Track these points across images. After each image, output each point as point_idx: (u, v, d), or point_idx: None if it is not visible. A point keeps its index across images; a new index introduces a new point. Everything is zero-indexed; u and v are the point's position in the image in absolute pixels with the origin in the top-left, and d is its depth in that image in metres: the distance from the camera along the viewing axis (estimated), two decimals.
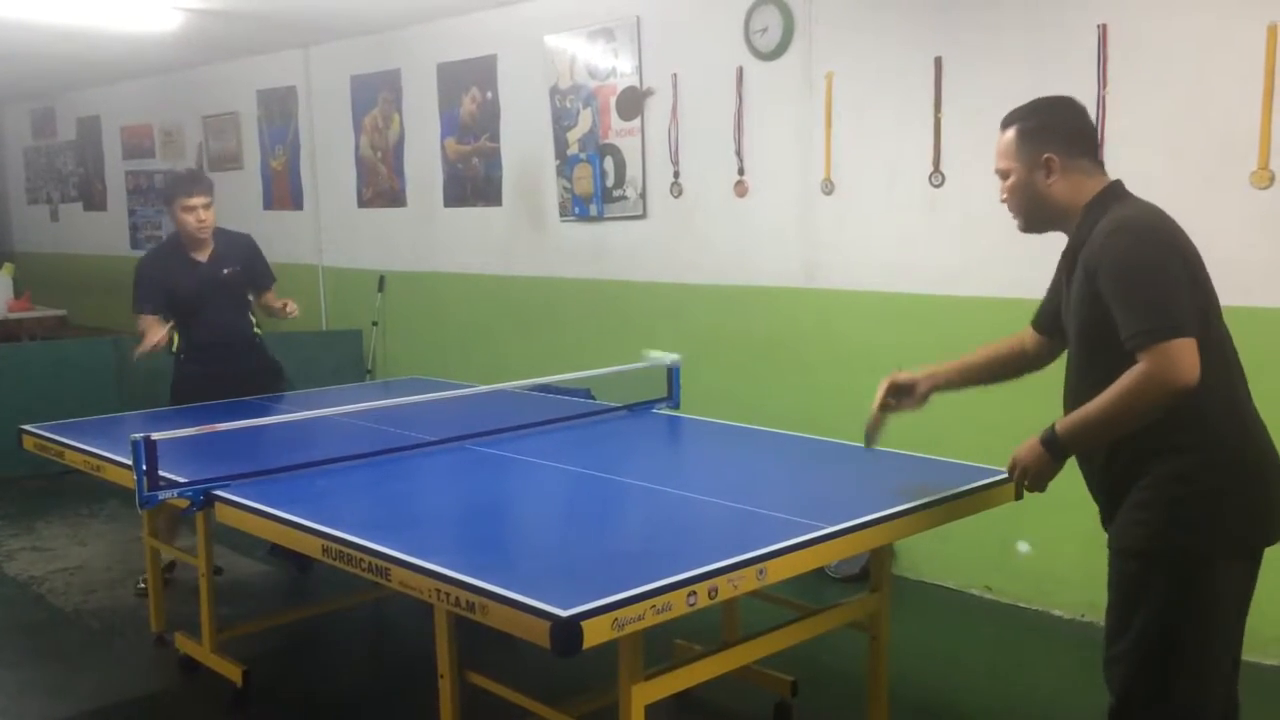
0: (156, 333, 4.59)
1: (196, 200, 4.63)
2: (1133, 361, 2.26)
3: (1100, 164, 2.54)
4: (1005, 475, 3.07)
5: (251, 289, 4.93)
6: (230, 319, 4.83)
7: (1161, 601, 2.34)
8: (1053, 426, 2.43)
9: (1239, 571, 2.38)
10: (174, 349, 4.85)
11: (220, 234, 4.83)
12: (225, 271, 4.77)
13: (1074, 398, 2.47)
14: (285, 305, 4.81)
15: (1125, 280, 2.29)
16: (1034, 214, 2.57)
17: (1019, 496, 3.12)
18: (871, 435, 3.07)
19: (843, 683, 3.66)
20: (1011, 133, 2.54)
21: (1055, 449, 2.42)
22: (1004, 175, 2.58)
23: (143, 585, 4.64)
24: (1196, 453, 2.33)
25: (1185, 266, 2.31)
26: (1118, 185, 2.49)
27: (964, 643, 4.26)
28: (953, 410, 4.54)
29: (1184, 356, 2.21)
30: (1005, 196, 2.59)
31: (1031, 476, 2.50)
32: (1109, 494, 2.48)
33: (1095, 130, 2.55)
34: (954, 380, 2.97)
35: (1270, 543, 2.42)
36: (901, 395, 2.99)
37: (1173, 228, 2.38)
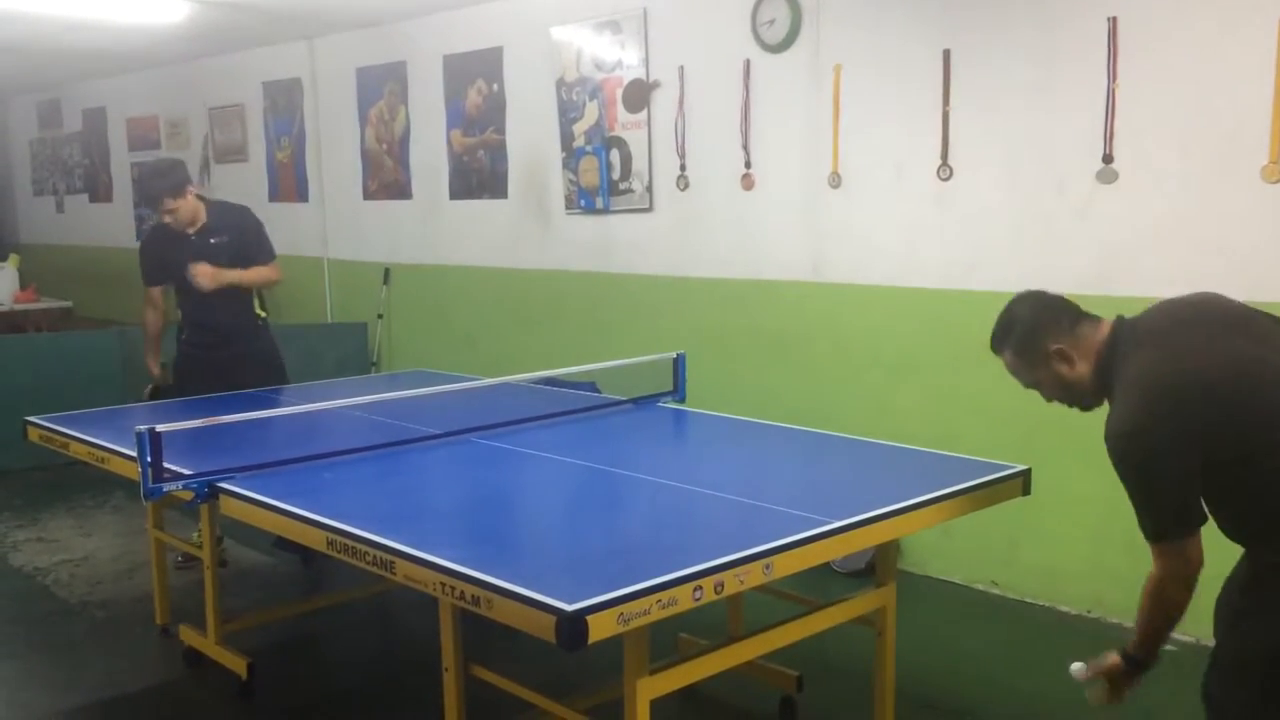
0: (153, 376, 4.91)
1: (162, 206, 4.69)
2: (1244, 497, 2.30)
3: (1091, 316, 2.50)
4: (1012, 471, 3.08)
5: (242, 262, 4.80)
6: (229, 317, 4.84)
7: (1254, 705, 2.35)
8: (1125, 651, 2.51)
9: None
10: (181, 334, 4.93)
11: (216, 206, 4.88)
12: (213, 241, 4.75)
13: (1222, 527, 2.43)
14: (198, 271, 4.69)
15: (1127, 481, 2.33)
16: (1083, 398, 2.54)
17: (1026, 492, 3.11)
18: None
19: (848, 678, 3.65)
20: (1009, 355, 2.56)
21: (1141, 666, 2.52)
22: (1035, 388, 2.59)
23: (181, 559, 4.75)
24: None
25: (1190, 442, 2.23)
26: (1117, 334, 2.42)
27: (970, 638, 4.25)
28: (962, 404, 4.54)
29: (1183, 556, 2.29)
30: (1049, 399, 2.59)
31: (1122, 697, 2.58)
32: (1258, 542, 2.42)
33: (1063, 300, 2.54)
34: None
35: None
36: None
37: (1173, 399, 2.26)
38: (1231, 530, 2.39)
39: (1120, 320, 2.46)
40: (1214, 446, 2.25)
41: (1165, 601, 2.37)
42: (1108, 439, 2.32)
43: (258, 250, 4.91)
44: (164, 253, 4.79)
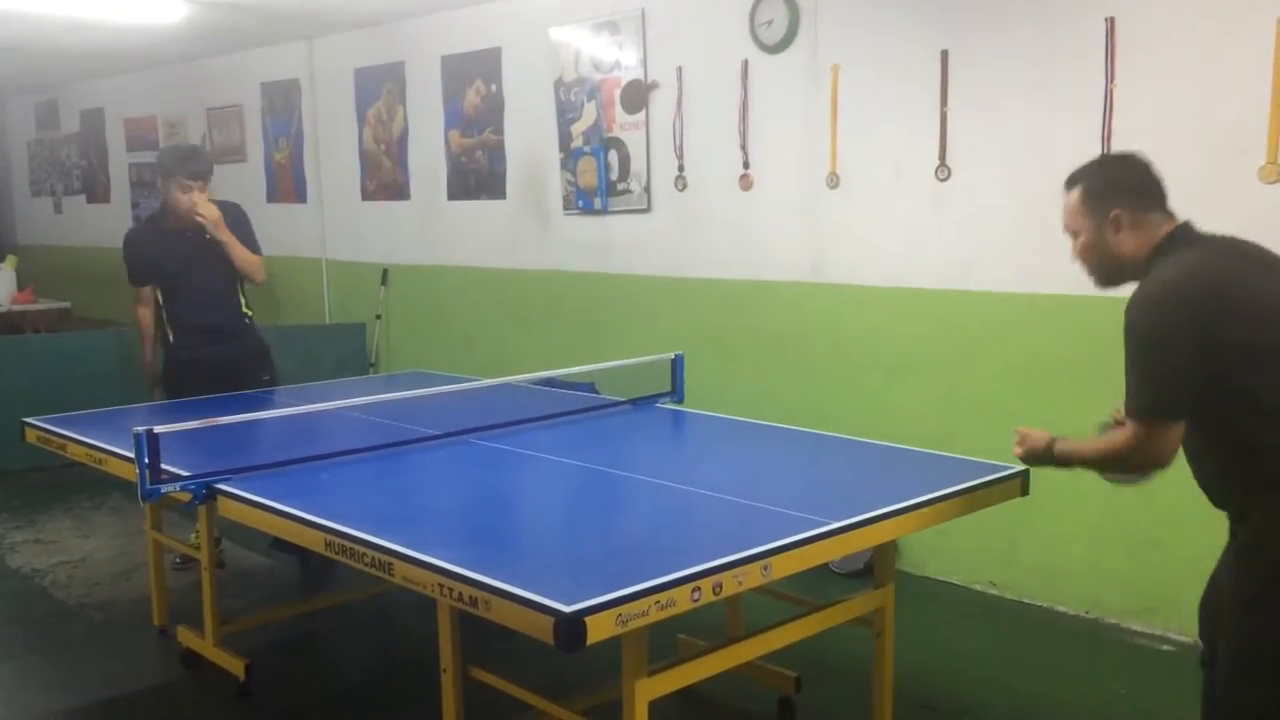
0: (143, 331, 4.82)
1: (195, 182, 4.61)
2: (1220, 425, 2.35)
3: (1168, 212, 2.52)
4: (1011, 472, 3.08)
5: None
6: (218, 291, 4.78)
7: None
8: (1053, 446, 2.57)
9: None
10: (170, 339, 4.87)
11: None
12: (206, 236, 4.71)
13: (1191, 461, 2.49)
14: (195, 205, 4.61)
15: (1130, 349, 2.37)
16: (1107, 271, 2.57)
17: (1025, 493, 3.11)
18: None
19: (847, 678, 3.65)
20: (1077, 192, 2.56)
21: (1053, 464, 2.61)
22: (1074, 235, 2.59)
23: (179, 560, 4.73)
24: None
25: (1203, 337, 2.28)
26: (1178, 232, 2.47)
27: (968, 639, 4.25)
28: (960, 405, 4.54)
29: (1162, 439, 2.33)
30: (1076, 256, 2.60)
31: (1026, 455, 2.66)
32: (1233, 498, 2.46)
33: (1160, 182, 2.52)
34: None
35: None
36: None
37: (1207, 286, 2.33)
38: (1234, 483, 2.40)
39: (1186, 224, 2.49)
40: (1226, 365, 2.29)
41: (1117, 462, 2.44)
42: (1133, 304, 2.36)
43: (246, 243, 4.89)
44: (154, 252, 4.74)
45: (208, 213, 4.61)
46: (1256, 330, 2.32)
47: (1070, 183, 2.59)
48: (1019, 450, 2.67)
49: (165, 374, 4.88)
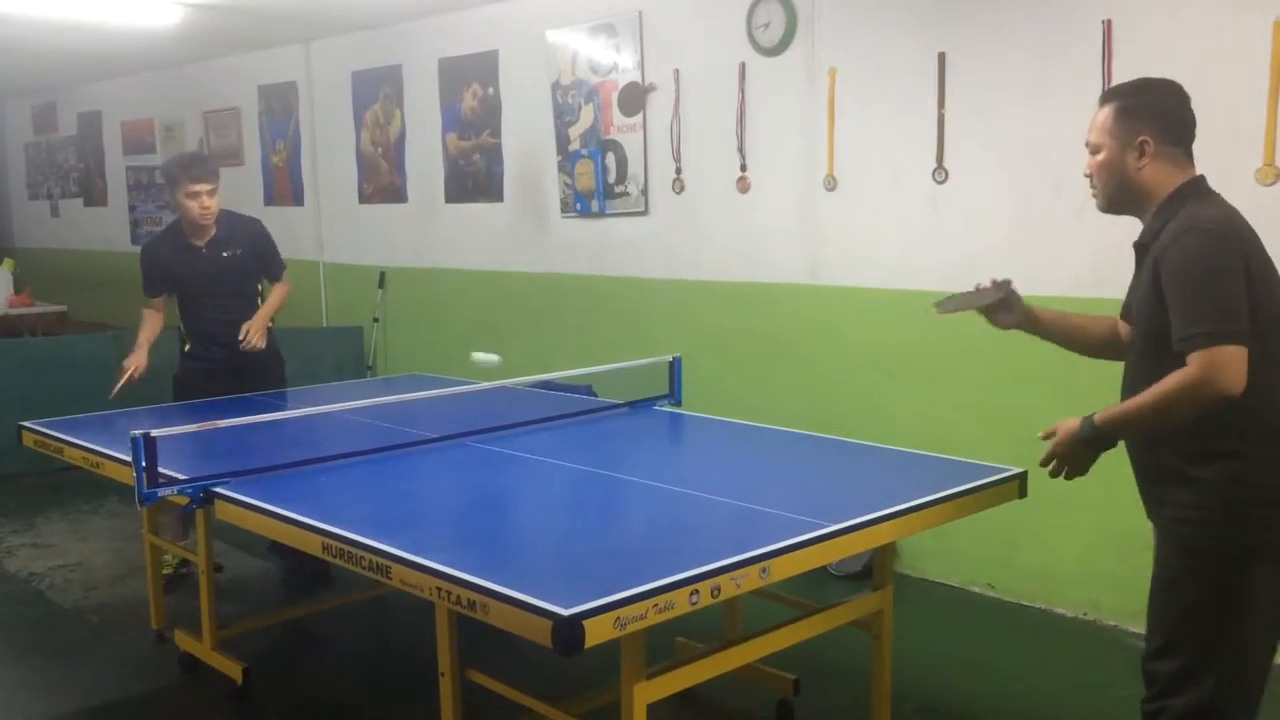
0: (134, 362, 4.60)
1: (200, 186, 4.52)
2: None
3: (1191, 156, 2.49)
4: (1008, 474, 3.08)
5: (251, 276, 4.81)
6: (236, 309, 4.70)
7: (1207, 600, 2.37)
8: (1091, 418, 2.40)
9: (1274, 577, 2.38)
10: (184, 348, 4.82)
11: (226, 217, 4.72)
12: (225, 255, 4.67)
13: (1133, 394, 2.44)
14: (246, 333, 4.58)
15: (1185, 281, 2.30)
16: (1116, 194, 2.52)
17: (1023, 495, 3.11)
18: (949, 306, 2.91)
19: (845, 681, 3.65)
20: (1110, 109, 2.50)
21: (1096, 442, 2.41)
22: (1094, 150, 2.53)
23: (167, 573, 4.65)
24: (1256, 457, 2.33)
25: (1251, 273, 2.30)
26: (1200, 181, 2.47)
27: (966, 641, 4.25)
28: (958, 407, 4.54)
29: (1233, 364, 2.22)
30: (1090, 172, 2.55)
31: (1070, 468, 2.48)
32: (1156, 483, 2.47)
33: (1194, 120, 2.49)
34: (1046, 331, 2.86)
35: None
36: (999, 306, 2.88)
37: (1244, 232, 2.37)
38: (1168, 456, 2.40)
39: (1204, 179, 2.48)
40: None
41: (1186, 399, 2.26)
42: (1188, 230, 2.32)
43: (270, 264, 4.87)
44: (171, 263, 4.66)
45: (259, 343, 4.59)
46: (1269, 303, 2.33)
47: (1105, 98, 2.53)
48: (1067, 474, 2.49)
49: (177, 378, 4.81)
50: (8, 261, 9.99)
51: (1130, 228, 2.57)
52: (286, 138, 8.06)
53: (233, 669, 3.71)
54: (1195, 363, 2.25)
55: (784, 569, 2.49)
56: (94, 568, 5.14)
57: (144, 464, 3.12)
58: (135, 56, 8.41)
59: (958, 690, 3.78)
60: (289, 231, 7.86)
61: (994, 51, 4.34)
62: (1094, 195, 2.57)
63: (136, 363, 4.63)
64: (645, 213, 5.69)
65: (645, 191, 5.66)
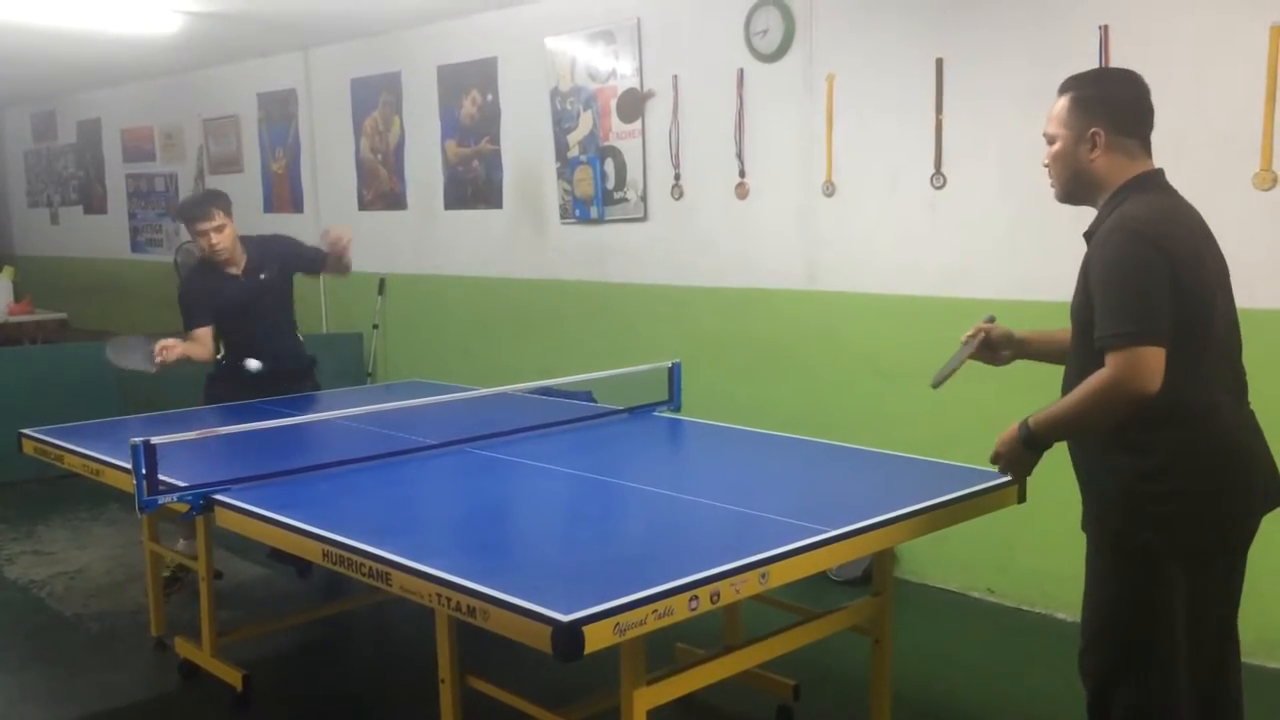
0: (193, 349, 4.62)
1: (205, 225, 4.61)
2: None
3: (1147, 148, 2.50)
4: (1008, 479, 3.08)
5: (306, 274, 4.98)
6: (275, 323, 4.82)
7: (1126, 595, 2.41)
8: (1026, 420, 2.46)
9: (1209, 571, 2.41)
10: (219, 358, 4.81)
11: (251, 244, 4.82)
12: (263, 278, 4.76)
13: (1068, 391, 2.49)
14: (335, 241, 4.81)
15: (1108, 281, 2.32)
16: (1070, 185, 2.54)
17: (1021, 499, 3.12)
18: (945, 379, 2.90)
19: (845, 686, 3.65)
20: (1066, 99, 2.52)
21: (1031, 443, 2.47)
22: (1050, 140, 2.55)
23: (166, 574, 4.64)
24: (1162, 454, 2.36)
25: (1176, 275, 2.30)
26: (1151, 175, 2.47)
27: (966, 646, 4.25)
28: (958, 413, 4.55)
29: (1146, 364, 2.25)
30: (1047, 162, 2.57)
31: (1009, 468, 2.56)
32: (1083, 482, 2.55)
33: (1151, 111, 2.49)
34: (1036, 351, 2.87)
35: (1244, 544, 2.47)
36: (986, 349, 2.90)
37: (1179, 232, 2.37)
38: (1092, 443, 2.44)
39: (1161, 171, 2.48)
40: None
41: (1104, 399, 2.30)
42: (1116, 229, 2.33)
43: (312, 261, 4.96)
44: (216, 297, 4.70)
45: (346, 235, 4.86)
46: (1207, 292, 2.35)
47: (1063, 88, 2.54)
48: (1008, 473, 2.61)
49: (211, 380, 4.84)
50: (8, 269, 9.99)
51: None
52: (286, 145, 8.07)
53: (233, 676, 3.71)
54: (1111, 363, 2.28)
55: (783, 574, 2.49)
56: (94, 575, 5.14)
57: (144, 471, 3.13)
58: (135, 64, 8.42)
59: (957, 695, 3.78)
60: None
61: (992, 57, 4.35)
62: (1051, 185, 2.59)
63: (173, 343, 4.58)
64: (644, 219, 5.70)
65: (644, 197, 5.67)
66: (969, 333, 2.89)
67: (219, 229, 4.62)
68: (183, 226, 8.40)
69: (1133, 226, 2.33)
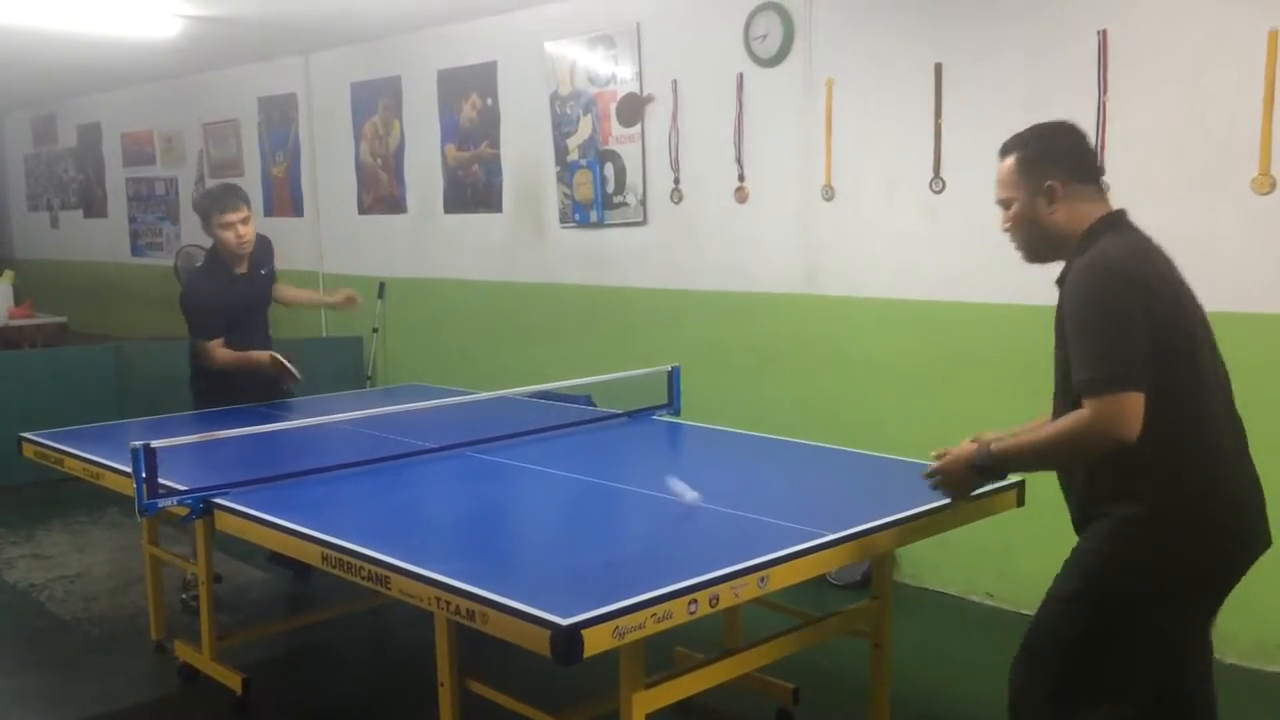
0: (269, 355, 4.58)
1: (234, 215, 4.55)
2: None
3: (1102, 190, 2.49)
4: (1007, 482, 3.09)
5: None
6: (265, 339, 4.80)
7: (1084, 626, 2.37)
8: (989, 446, 2.41)
9: (1182, 615, 2.36)
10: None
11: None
12: (263, 273, 4.76)
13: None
14: (343, 298, 4.87)
15: (1080, 325, 2.27)
16: (1037, 244, 2.50)
17: (1020, 503, 3.12)
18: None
19: (844, 690, 3.65)
20: (1011, 160, 2.48)
21: (987, 469, 2.43)
22: (1005, 205, 2.51)
23: (187, 597, 4.62)
24: (1150, 499, 2.30)
25: (1150, 304, 2.24)
26: (1114, 216, 2.43)
27: (966, 650, 4.25)
28: (956, 417, 4.55)
29: (1126, 412, 2.19)
30: (1007, 226, 2.53)
31: (950, 486, 2.50)
32: (1080, 513, 2.49)
33: (1095, 155, 2.48)
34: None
35: (1226, 588, 2.40)
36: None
37: (1149, 271, 2.30)
38: (1102, 487, 2.37)
39: (1123, 211, 2.43)
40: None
41: (1078, 443, 2.24)
42: (1083, 269, 2.28)
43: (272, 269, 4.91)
44: (223, 299, 4.61)
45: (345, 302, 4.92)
46: (1189, 327, 2.31)
47: (1004, 150, 2.50)
48: (946, 491, 2.52)
49: (195, 379, 4.76)
50: (8, 273, 10.00)
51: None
52: (286, 149, 8.08)
53: (232, 679, 3.71)
54: (1089, 409, 2.22)
55: (783, 578, 2.49)
56: (94, 579, 5.14)
57: (144, 475, 3.14)
58: (135, 68, 8.44)
59: (957, 700, 3.77)
60: (288, 242, 7.86)
61: (991, 62, 4.35)
62: (1016, 250, 2.55)
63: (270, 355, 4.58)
64: (644, 223, 5.70)
65: (644, 202, 5.68)
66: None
67: (245, 220, 4.59)
68: (182, 230, 8.44)
69: (1100, 266, 2.29)
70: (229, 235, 4.57)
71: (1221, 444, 2.34)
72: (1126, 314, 2.22)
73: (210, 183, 8.83)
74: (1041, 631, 2.44)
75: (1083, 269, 2.31)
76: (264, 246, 4.84)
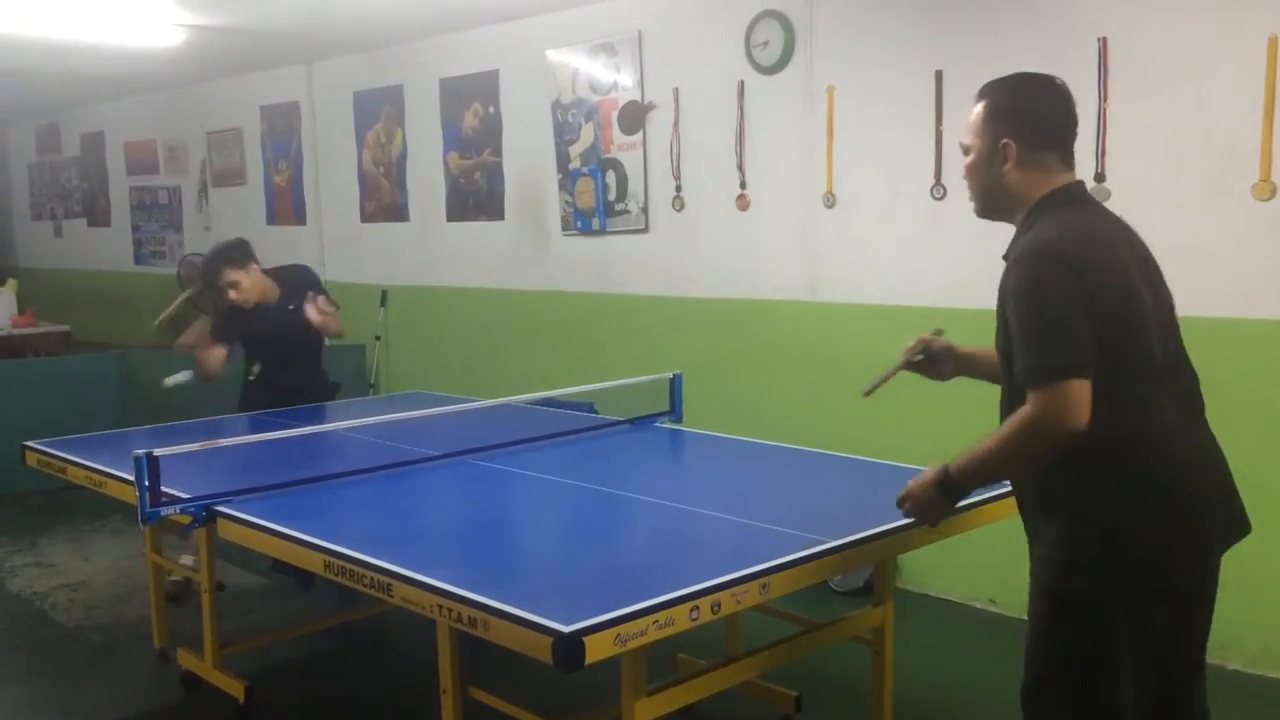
0: (211, 352, 4.68)
1: (222, 281, 4.67)
2: None
3: (1067, 160, 2.33)
4: (1010, 488, 3.08)
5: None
6: (302, 355, 4.92)
7: (1063, 643, 2.28)
8: (947, 466, 2.32)
9: (1157, 620, 2.24)
10: (250, 377, 4.91)
11: (283, 275, 4.88)
12: (291, 308, 4.79)
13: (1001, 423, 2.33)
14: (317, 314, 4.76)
15: (1021, 310, 2.16)
16: (985, 200, 2.40)
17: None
18: (876, 387, 2.82)
19: (847, 697, 3.65)
20: (981, 106, 2.34)
21: (949, 489, 2.32)
22: (965, 151, 2.39)
23: (170, 586, 4.64)
24: (1097, 493, 2.19)
25: (1091, 291, 2.12)
26: (1069, 190, 2.30)
27: (968, 656, 4.25)
28: (959, 423, 4.54)
29: (1071, 400, 2.07)
30: (964, 174, 2.42)
31: (920, 512, 2.41)
32: (1028, 520, 2.38)
33: (1071, 122, 2.32)
34: (985, 374, 2.63)
35: (1201, 586, 2.29)
36: (928, 363, 2.80)
37: (1088, 245, 2.19)
38: (1053, 488, 2.25)
39: (1080, 183, 2.33)
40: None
41: (1027, 439, 2.12)
42: (1025, 253, 2.18)
43: (313, 290, 4.94)
44: (244, 324, 4.76)
45: (315, 316, 4.75)
46: (1115, 322, 2.16)
47: (980, 94, 2.36)
48: (918, 517, 2.44)
49: (244, 403, 4.93)
50: (11, 282, 10.01)
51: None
52: (289, 157, 8.10)
53: (235, 687, 3.71)
54: (1033, 400, 2.11)
55: (784, 585, 2.49)
56: (96, 587, 5.15)
57: (146, 483, 3.14)
58: (138, 78, 8.46)
59: (960, 706, 3.77)
60: (291, 251, 7.89)
61: (991, 69, 4.29)
62: (970, 199, 2.45)
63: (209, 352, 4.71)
64: (645, 230, 5.71)
65: (645, 209, 5.68)
66: (910, 344, 2.75)
67: (234, 285, 4.67)
68: (185, 239, 8.55)
69: (1041, 249, 2.17)
70: (228, 293, 4.71)
71: (1170, 439, 2.21)
72: (1064, 296, 2.11)
73: (212, 192, 8.87)
74: (1032, 660, 2.37)
75: (1020, 254, 2.22)
76: (300, 282, 4.87)
